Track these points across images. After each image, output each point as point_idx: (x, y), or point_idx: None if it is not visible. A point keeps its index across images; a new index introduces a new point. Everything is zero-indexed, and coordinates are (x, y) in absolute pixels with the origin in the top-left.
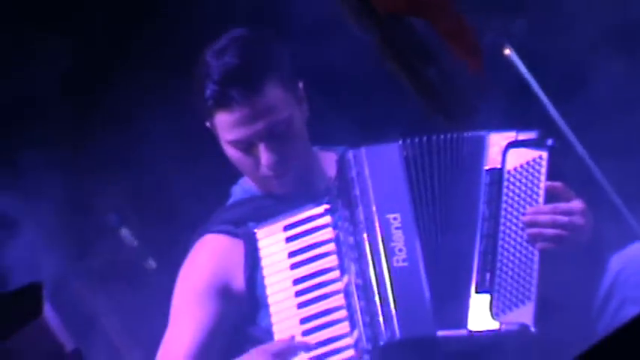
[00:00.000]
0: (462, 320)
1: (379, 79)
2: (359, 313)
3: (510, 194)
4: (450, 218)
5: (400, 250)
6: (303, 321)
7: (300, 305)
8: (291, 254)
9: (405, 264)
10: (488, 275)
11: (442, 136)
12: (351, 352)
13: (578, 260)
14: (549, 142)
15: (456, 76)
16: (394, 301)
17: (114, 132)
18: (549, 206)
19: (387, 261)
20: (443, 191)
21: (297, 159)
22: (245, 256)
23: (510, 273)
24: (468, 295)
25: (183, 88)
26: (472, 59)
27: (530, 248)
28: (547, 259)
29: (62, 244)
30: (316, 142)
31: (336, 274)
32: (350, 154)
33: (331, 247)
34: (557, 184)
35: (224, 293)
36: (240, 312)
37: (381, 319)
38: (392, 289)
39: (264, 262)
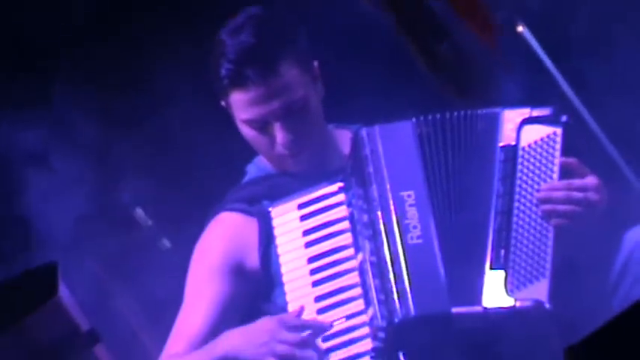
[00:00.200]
0: (476, 297)
1: (394, 56)
2: (373, 290)
3: (525, 171)
4: (464, 195)
5: (414, 228)
6: (318, 299)
7: (315, 283)
8: (306, 232)
9: (420, 241)
10: (502, 252)
11: (456, 113)
12: (365, 330)
13: (593, 236)
14: (564, 118)
15: (469, 53)
16: (409, 278)
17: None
18: (564, 182)
19: (401, 238)
20: (457, 168)
21: (312, 138)
22: (259, 235)
23: (525, 249)
24: (482, 272)
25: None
26: (485, 36)
27: (545, 224)
28: (562, 236)
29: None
30: (331, 120)
31: (350, 251)
32: (364, 132)
33: (345, 225)
34: (572, 160)
35: (238, 271)
36: (254, 290)
37: (395, 296)
38: (406, 267)
39: (278, 241)
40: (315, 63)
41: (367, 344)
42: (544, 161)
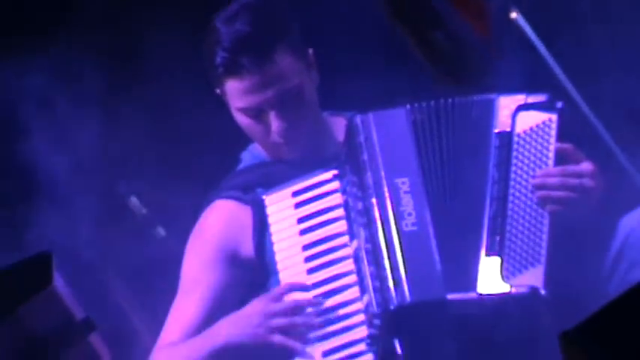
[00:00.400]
0: (471, 283)
1: (388, 45)
2: (369, 277)
3: (520, 157)
4: (459, 182)
5: (409, 215)
6: (313, 286)
7: (310, 271)
8: (300, 220)
9: (415, 228)
10: (497, 238)
11: (450, 100)
12: (361, 317)
13: (589, 222)
14: (559, 104)
15: (463, 40)
16: (404, 265)
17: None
18: (559, 168)
19: (396, 225)
20: (452, 155)
21: (307, 126)
22: (253, 223)
23: (520, 236)
24: (477, 258)
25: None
26: (479, 23)
27: (540, 211)
28: (557, 222)
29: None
30: (326, 107)
31: (345, 239)
32: (358, 120)
33: (340, 212)
34: (567, 145)
35: (233, 259)
36: (249, 278)
37: (391, 283)
38: (402, 254)
39: (273, 229)
40: (310, 51)
41: (362, 331)
42: (539, 147)
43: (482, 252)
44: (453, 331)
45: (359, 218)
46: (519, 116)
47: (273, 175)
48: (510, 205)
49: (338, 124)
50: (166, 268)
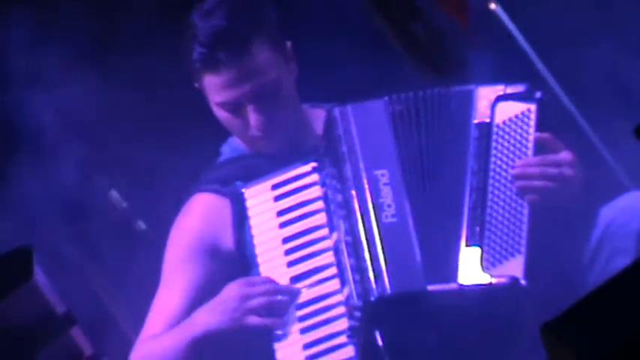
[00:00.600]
0: (452, 274)
1: (368, 36)
2: (349, 270)
3: (499, 147)
4: (439, 173)
5: (389, 206)
6: (293, 279)
7: (290, 264)
8: (280, 213)
9: (394, 220)
10: (477, 229)
11: (429, 91)
12: (341, 309)
13: (568, 212)
14: (538, 94)
15: (442, 31)
16: (384, 256)
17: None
18: (538, 158)
19: (375, 217)
20: (431, 146)
21: (286, 119)
22: (232, 216)
23: (500, 226)
24: (457, 249)
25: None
26: (458, 14)
27: (520, 201)
28: (537, 212)
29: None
30: (306, 99)
31: (324, 231)
32: (336, 112)
33: (319, 204)
34: (546, 135)
35: (213, 252)
36: (230, 271)
37: (371, 275)
38: (381, 245)
39: (252, 222)
40: (288, 43)
41: (343, 323)
42: (518, 138)
43: (463, 242)
44: (433, 322)
45: (338, 210)
46: (498, 107)
47: (253, 168)
48: (490, 196)
49: (318, 116)
50: (147, 262)
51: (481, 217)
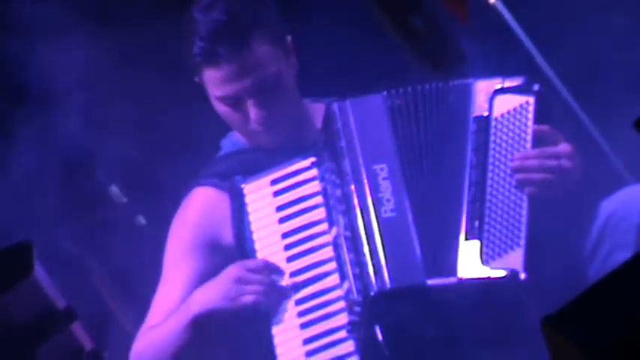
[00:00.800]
0: (451, 268)
1: (367, 30)
2: (348, 264)
3: (498, 141)
4: (438, 167)
5: (388, 201)
6: (293, 274)
7: (290, 259)
8: (279, 208)
9: (394, 214)
10: (477, 222)
11: (427, 86)
12: (341, 304)
13: (568, 205)
14: (536, 87)
15: (441, 25)
16: (383, 251)
17: None
18: (537, 150)
19: (375, 212)
20: (429, 140)
21: (286, 113)
22: (232, 211)
23: (499, 219)
24: (457, 243)
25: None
26: (458, 8)
27: (519, 194)
28: (536, 204)
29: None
30: (306, 94)
31: (324, 226)
32: (335, 107)
33: (319, 199)
34: (545, 127)
35: (213, 246)
36: (230, 265)
37: (370, 269)
38: (381, 240)
39: (252, 217)
40: (289, 37)
41: (343, 318)
42: (517, 131)
43: (462, 236)
44: (433, 316)
45: (338, 205)
46: (496, 100)
47: (252, 163)
48: (489, 189)
49: (318, 111)
50: (148, 257)
51: (480, 211)
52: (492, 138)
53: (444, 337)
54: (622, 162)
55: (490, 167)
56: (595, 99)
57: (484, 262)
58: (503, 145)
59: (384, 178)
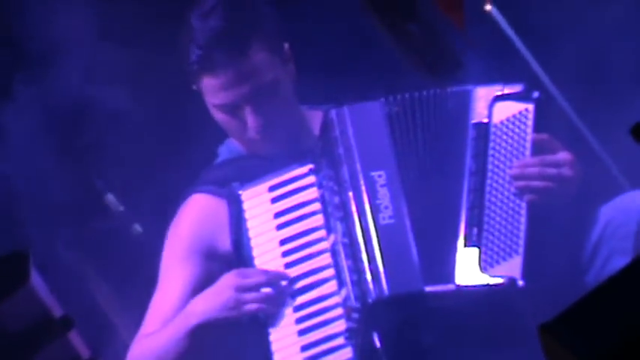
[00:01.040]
0: (449, 275)
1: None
2: (346, 271)
3: (497, 148)
4: (436, 174)
5: (386, 208)
6: (291, 281)
7: (288, 265)
8: (277, 215)
9: (392, 221)
10: (475, 229)
11: (425, 92)
12: (339, 311)
13: (567, 212)
14: (535, 94)
15: (438, 32)
16: (381, 258)
17: None
18: (536, 158)
19: (373, 219)
20: (428, 147)
21: (284, 121)
22: (230, 218)
23: (498, 227)
24: (455, 250)
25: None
26: (454, 15)
27: (518, 201)
28: (535, 212)
29: None
30: (304, 101)
31: (322, 233)
32: (333, 113)
33: (317, 206)
34: (544, 135)
35: (210, 253)
36: (227, 272)
37: (368, 276)
38: (379, 247)
39: (249, 224)
40: (286, 45)
41: (341, 325)
42: (516, 138)
43: (460, 243)
44: (431, 324)
45: (335, 212)
46: (496, 107)
47: (250, 170)
48: (488, 196)
49: (316, 118)
50: (144, 265)
51: (479, 218)
52: (491, 145)
53: (441, 344)
54: (620, 168)
55: (489, 174)
56: (592, 105)
57: (482, 269)
58: (502, 152)
59: (382, 185)
